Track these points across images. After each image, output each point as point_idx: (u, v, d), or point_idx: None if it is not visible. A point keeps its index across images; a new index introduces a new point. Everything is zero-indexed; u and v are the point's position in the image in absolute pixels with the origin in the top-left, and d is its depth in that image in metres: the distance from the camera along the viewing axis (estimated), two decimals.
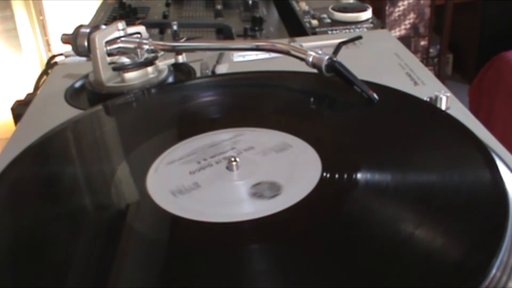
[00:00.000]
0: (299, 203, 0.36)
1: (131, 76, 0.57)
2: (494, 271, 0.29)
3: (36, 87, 0.75)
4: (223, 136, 0.45)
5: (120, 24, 0.58)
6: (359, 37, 0.60)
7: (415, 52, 1.97)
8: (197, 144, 0.44)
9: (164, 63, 0.61)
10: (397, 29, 1.96)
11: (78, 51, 0.59)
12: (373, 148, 0.42)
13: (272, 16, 1.00)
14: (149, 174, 0.41)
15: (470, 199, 0.35)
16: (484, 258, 0.30)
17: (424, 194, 0.36)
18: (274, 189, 0.38)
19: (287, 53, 0.53)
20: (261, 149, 0.43)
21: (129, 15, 0.99)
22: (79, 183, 0.42)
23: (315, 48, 0.52)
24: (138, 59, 0.57)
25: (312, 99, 0.53)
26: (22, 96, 0.69)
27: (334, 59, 0.51)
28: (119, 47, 0.57)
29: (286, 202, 0.36)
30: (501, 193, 0.34)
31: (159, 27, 0.91)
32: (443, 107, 0.49)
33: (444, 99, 0.49)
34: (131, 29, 0.59)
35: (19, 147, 0.46)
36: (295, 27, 0.92)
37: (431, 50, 2.04)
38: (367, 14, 0.87)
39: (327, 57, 0.50)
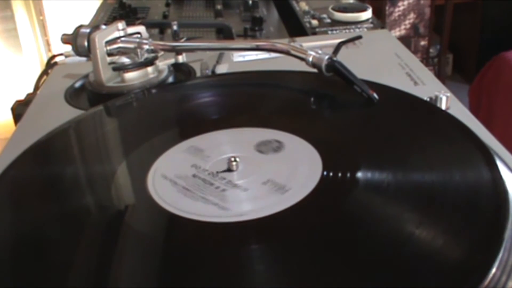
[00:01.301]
0: (300, 202, 0.36)
1: (131, 76, 0.57)
2: (494, 270, 0.29)
3: (36, 87, 0.75)
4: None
5: (120, 24, 0.58)
6: (359, 37, 0.60)
7: (415, 52, 1.97)
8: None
9: (164, 63, 0.61)
10: (397, 29, 1.96)
11: (78, 51, 0.59)
12: (373, 148, 0.42)
13: (272, 16, 1.00)
14: (149, 174, 0.41)
15: (470, 199, 0.35)
16: (484, 257, 0.30)
17: (424, 194, 0.36)
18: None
19: (287, 53, 0.53)
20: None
21: (129, 15, 0.99)
22: (80, 183, 0.42)
23: (315, 48, 0.52)
24: (138, 59, 0.57)
25: (312, 99, 0.53)
26: (22, 96, 0.69)
27: (334, 58, 0.51)
28: (119, 47, 0.57)
29: (286, 201, 0.36)
30: (501, 193, 0.34)
31: (159, 27, 0.91)
32: (443, 107, 0.49)
33: (444, 99, 0.49)
34: (131, 29, 0.59)
35: (19, 147, 0.46)
36: (295, 27, 0.92)
37: (431, 50, 2.04)
38: (367, 14, 0.87)
39: (327, 57, 0.50)
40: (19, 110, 0.64)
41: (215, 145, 0.44)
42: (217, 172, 0.40)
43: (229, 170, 0.40)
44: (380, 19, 1.62)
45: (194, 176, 0.40)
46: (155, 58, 0.58)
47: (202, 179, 0.40)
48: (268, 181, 0.39)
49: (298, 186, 0.38)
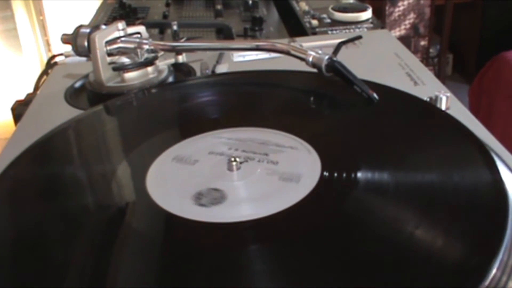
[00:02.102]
0: (299, 203, 0.36)
1: (131, 76, 0.57)
2: (494, 271, 0.29)
3: (36, 87, 0.75)
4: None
5: (120, 24, 0.58)
6: (359, 37, 0.60)
7: (415, 52, 1.97)
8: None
9: (164, 63, 0.61)
10: (397, 29, 1.96)
11: (78, 51, 0.59)
12: (373, 148, 0.42)
13: (272, 16, 1.00)
14: (149, 173, 0.41)
15: (470, 199, 0.35)
16: (484, 258, 0.30)
17: (424, 194, 0.36)
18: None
19: (287, 53, 0.53)
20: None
21: (129, 15, 0.99)
22: (79, 183, 0.42)
23: (315, 48, 0.52)
24: (138, 59, 0.57)
25: (312, 99, 0.53)
26: (22, 96, 0.69)
27: (334, 59, 0.51)
28: (119, 47, 0.57)
29: (286, 202, 0.36)
30: (501, 193, 0.34)
31: (159, 27, 0.91)
32: (443, 107, 0.49)
33: (444, 99, 0.49)
34: (131, 29, 0.59)
35: (19, 147, 0.46)
36: (295, 27, 0.92)
37: (431, 50, 2.04)
38: (367, 14, 0.87)
39: (327, 57, 0.50)
40: (19, 110, 0.64)
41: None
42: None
43: (229, 170, 0.40)
44: (380, 19, 1.62)
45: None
46: (155, 58, 0.58)
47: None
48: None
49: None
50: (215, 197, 0.37)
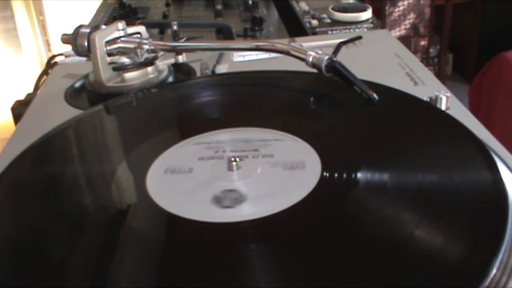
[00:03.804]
0: (299, 203, 0.36)
1: (131, 76, 0.57)
2: (494, 271, 0.29)
3: (36, 87, 0.75)
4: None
5: (120, 24, 0.58)
6: (359, 37, 0.60)
7: (415, 52, 1.97)
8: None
9: (164, 63, 0.61)
10: (397, 29, 1.96)
11: (78, 51, 0.59)
12: (373, 148, 0.42)
13: (272, 16, 1.00)
14: (149, 173, 0.41)
15: (470, 199, 0.35)
16: (484, 258, 0.30)
17: (424, 194, 0.36)
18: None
19: (287, 53, 0.53)
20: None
21: (129, 15, 0.99)
22: (79, 183, 0.42)
23: (315, 48, 0.52)
24: (138, 59, 0.57)
25: (312, 99, 0.53)
26: (22, 96, 0.69)
27: (334, 59, 0.51)
28: (119, 47, 0.57)
29: (286, 202, 0.36)
30: (501, 193, 0.34)
31: (159, 27, 0.91)
32: (443, 107, 0.49)
33: (444, 99, 0.49)
34: (131, 29, 0.59)
35: (19, 147, 0.46)
36: (295, 27, 0.92)
37: (431, 50, 2.04)
38: (367, 14, 0.87)
39: (327, 57, 0.50)
40: (19, 110, 0.64)
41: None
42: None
43: (229, 170, 0.40)
44: (380, 19, 1.62)
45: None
46: (155, 58, 0.58)
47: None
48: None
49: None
50: (235, 197, 0.37)
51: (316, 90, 0.53)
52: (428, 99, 0.49)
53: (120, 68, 0.57)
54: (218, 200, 0.37)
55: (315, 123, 0.48)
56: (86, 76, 0.60)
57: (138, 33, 0.59)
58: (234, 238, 0.34)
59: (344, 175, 0.38)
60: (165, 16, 0.99)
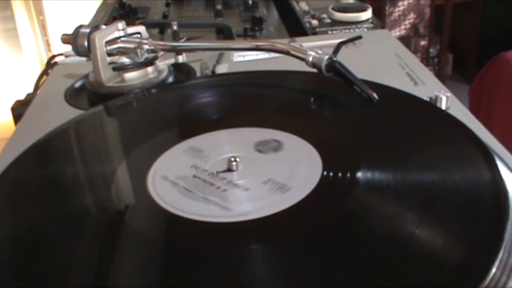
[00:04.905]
0: (300, 202, 0.36)
1: (131, 76, 0.57)
2: (494, 270, 0.29)
3: (36, 87, 0.75)
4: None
5: (120, 24, 0.58)
6: (359, 37, 0.60)
7: (415, 52, 1.97)
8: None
9: (164, 63, 0.61)
10: (397, 29, 1.96)
11: (78, 51, 0.59)
12: (373, 148, 0.42)
13: (272, 16, 1.00)
14: (149, 174, 0.41)
15: (470, 199, 0.35)
16: (484, 258, 0.30)
17: (424, 194, 0.36)
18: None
19: (287, 53, 0.53)
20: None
21: (129, 15, 0.99)
22: (80, 184, 0.42)
23: (315, 48, 0.52)
24: (138, 59, 0.57)
25: (312, 99, 0.53)
26: (22, 96, 0.69)
27: (334, 59, 0.51)
28: (119, 47, 0.57)
29: (287, 201, 0.36)
30: (501, 193, 0.34)
31: (159, 27, 0.91)
32: (443, 107, 0.49)
33: (444, 99, 0.49)
34: (131, 29, 0.59)
35: (19, 147, 0.46)
36: (295, 27, 0.92)
37: (431, 50, 2.04)
38: (367, 14, 0.87)
39: (327, 57, 0.50)
40: (19, 110, 0.64)
41: (215, 145, 0.44)
42: (217, 172, 0.40)
43: (229, 170, 0.40)
44: (380, 19, 1.62)
45: (194, 176, 0.40)
46: (155, 58, 0.58)
47: (203, 179, 0.40)
48: (268, 181, 0.39)
49: (298, 186, 0.38)
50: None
51: (316, 90, 0.53)
52: (428, 99, 0.49)
53: (120, 68, 0.57)
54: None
55: (315, 123, 0.48)
56: (86, 76, 0.60)
57: (138, 33, 0.59)
58: (234, 238, 0.34)
59: (345, 175, 0.38)
60: (165, 16, 0.99)
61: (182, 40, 0.67)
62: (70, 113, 0.55)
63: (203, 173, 0.41)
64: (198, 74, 0.62)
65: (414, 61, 0.62)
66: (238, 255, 0.33)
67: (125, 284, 0.32)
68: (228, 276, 0.31)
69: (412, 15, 1.95)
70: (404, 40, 1.92)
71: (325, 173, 0.39)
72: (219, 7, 1.00)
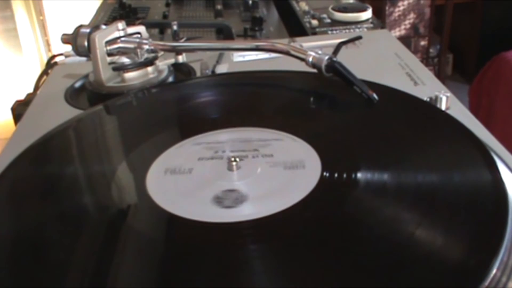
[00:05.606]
0: (299, 203, 0.36)
1: (131, 76, 0.57)
2: (494, 271, 0.29)
3: (36, 87, 0.75)
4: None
5: (120, 24, 0.58)
6: (359, 37, 0.60)
7: (415, 52, 1.97)
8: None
9: (164, 63, 0.61)
10: (397, 29, 1.96)
11: (78, 51, 0.59)
12: (373, 148, 0.42)
13: (272, 16, 1.00)
14: (149, 173, 0.41)
15: (470, 199, 0.35)
16: (484, 258, 0.30)
17: (424, 194, 0.36)
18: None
19: (287, 53, 0.53)
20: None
21: (129, 15, 0.99)
22: (79, 183, 0.42)
23: (315, 48, 0.52)
24: (138, 59, 0.57)
25: (312, 99, 0.53)
26: (22, 96, 0.69)
27: (334, 59, 0.51)
28: (119, 47, 0.57)
29: (286, 202, 0.36)
30: (501, 193, 0.34)
31: (159, 27, 0.91)
32: (443, 107, 0.49)
33: (444, 99, 0.49)
34: (131, 29, 0.59)
35: (19, 147, 0.46)
36: (295, 27, 0.92)
37: (431, 50, 2.04)
38: (367, 14, 0.87)
39: (327, 57, 0.50)
40: (19, 110, 0.64)
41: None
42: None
43: (229, 170, 0.40)
44: (380, 19, 1.62)
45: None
46: (155, 58, 0.58)
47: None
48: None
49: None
50: (236, 197, 0.37)
51: (316, 90, 0.53)
52: (428, 99, 0.49)
53: (120, 68, 0.57)
54: (218, 200, 0.37)
55: (315, 123, 0.48)
56: (86, 76, 0.60)
57: (138, 33, 0.59)
58: (234, 238, 0.34)
59: (344, 175, 0.38)
60: (165, 16, 0.99)
61: (182, 40, 0.67)
62: (70, 113, 0.55)
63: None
64: (198, 74, 0.62)
65: (414, 61, 0.62)
66: (237, 255, 0.33)
67: (124, 284, 0.32)
68: (228, 276, 0.31)
69: (412, 15, 1.95)
70: (404, 40, 1.92)
71: (324, 173, 0.39)
72: (219, 7, 1.00)
